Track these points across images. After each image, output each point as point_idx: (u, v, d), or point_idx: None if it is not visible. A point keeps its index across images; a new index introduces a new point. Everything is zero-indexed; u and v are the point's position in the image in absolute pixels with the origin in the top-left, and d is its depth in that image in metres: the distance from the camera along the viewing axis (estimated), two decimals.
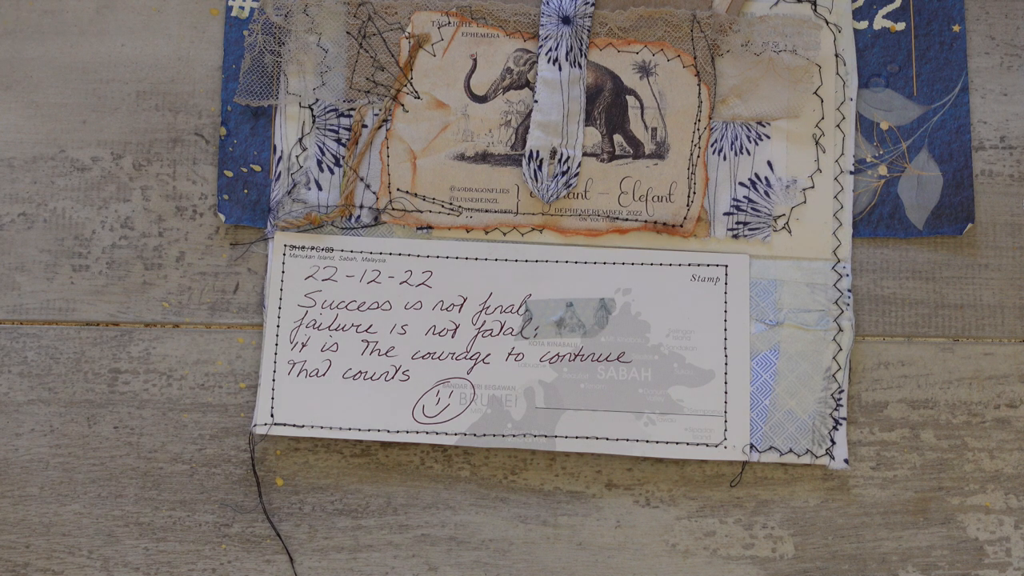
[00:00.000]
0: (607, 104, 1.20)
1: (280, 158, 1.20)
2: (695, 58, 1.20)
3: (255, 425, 1.17)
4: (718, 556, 1.19)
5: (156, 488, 1.19)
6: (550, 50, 1.19)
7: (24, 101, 1.23)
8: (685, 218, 1.19)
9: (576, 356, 1.18)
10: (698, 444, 1.17)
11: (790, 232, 1.20)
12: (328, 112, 1.20)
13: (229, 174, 1.21)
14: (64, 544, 1.19)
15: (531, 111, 1.19)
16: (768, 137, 1.20)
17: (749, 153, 1.20)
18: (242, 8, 1.23)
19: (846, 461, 1.17)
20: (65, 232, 1.22)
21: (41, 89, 1.23)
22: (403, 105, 1.20)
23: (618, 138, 1.19)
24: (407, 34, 1.21)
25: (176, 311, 1.21)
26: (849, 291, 1.19)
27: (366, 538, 1.19)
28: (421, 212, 1.20)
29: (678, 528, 1.19)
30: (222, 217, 1.21)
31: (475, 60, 1.21)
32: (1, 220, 1.22)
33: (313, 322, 1.19)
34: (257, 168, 1.21)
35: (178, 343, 1.21)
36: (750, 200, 1.20)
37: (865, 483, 1.19)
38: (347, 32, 1.21)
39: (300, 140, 1.20)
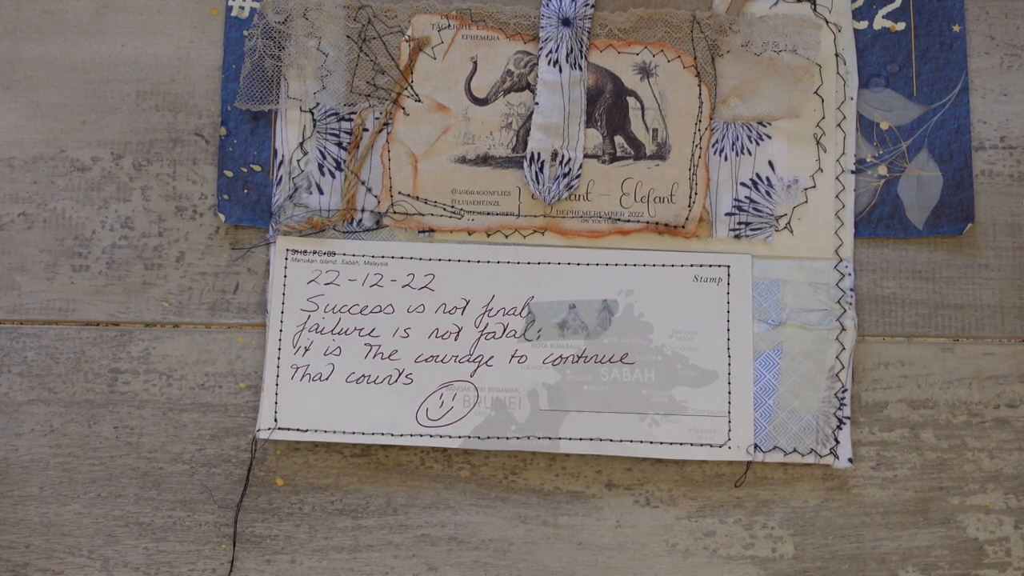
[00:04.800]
0: (608, 105, 1.20)
1: (281, 162, 1.20)
2: (695, 59, 1.20)
3: (259, 430, 1.17)
4: (718, 556, 1.19)
5: (156, 488, 1.19)
6: (550, 52, 1.19)
7: (24, 101, 1.23)
8: (687, 219, 1.19)
9: (579, 358, 1.18)
10: (702, 445, 1.17)
11: (792, 232, 1.20)
12: (329, 116, 1.20)
13: (229, 174, 1.21)
14: (64, 544, 1.19)
15: (532, 113, 1.19)
16: (769, 137, 1.20)
17: (750, 153, 1.20)
18: (242, 8, 1.23)
19: (850, 460, 1.17)
20: (65, 232, 1.21)
21: (41, 89, 1.23)
22: (404, 108, 1.20)
23: (619, 139, 1.19)
24: (407, 37, 1.21)
25: (176, 311, 1.21)
26: (852, 290, 1.19)
27: (366, 538, 1.19)
28: (423, 215, 1.19)
29: (678, 528, 1.19)
30: (222, 217, 1.21)
31: (475, 63, 1.20)
32: (1, 220, 1.22)
33: (316, 326, 1.19)
34: (257, 168, 1.21)
35: (178, 343, 1.21)
36: (752, 200, 1.20)
37: (865, 483, 1.19)
38: (347, 36, 1.21)
39: (301, 144, 1.20)
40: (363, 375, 1.18)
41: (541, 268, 1.19)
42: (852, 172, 1.21)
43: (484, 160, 1.20)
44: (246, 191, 1.21)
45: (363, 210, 1.20)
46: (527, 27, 1.20)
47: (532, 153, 1.19)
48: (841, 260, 1.20)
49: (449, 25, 1.21)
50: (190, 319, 1.21)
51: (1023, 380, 1.20)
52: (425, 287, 1.19)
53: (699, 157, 1.20)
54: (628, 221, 1.19)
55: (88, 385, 1.20)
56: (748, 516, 1.19)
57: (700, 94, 1.20)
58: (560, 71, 1.19)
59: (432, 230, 1.20)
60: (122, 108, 1.23)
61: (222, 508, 1.19)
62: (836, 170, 1.21)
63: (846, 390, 1.18)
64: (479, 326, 1.19)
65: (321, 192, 1.20)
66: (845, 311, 1.19)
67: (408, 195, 1.20)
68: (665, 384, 1.18)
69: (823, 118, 1.21)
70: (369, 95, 1.21)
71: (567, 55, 1.19)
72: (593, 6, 1.20)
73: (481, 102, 1.20)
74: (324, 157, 1.20)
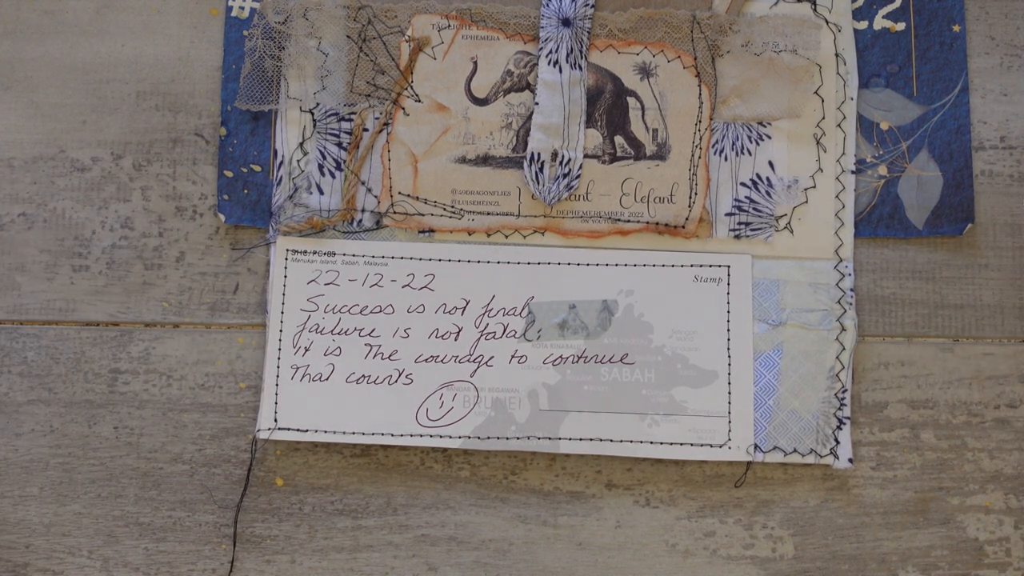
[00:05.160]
0: (608, 106, 1.20)
1: (281, 162, 1.20)
2: (695, 59, 1.20)
3: (258, 430, 1.17)
4: (718, 556, 1.19)
5: (156, 488, 1.19)
6: (550, 52, 1.19)
7: (24, 101, 1.23)
8: (687, 219, 1.19)
9: (579, 358, 1.18)
10: (702, 445, 1.17)
11: (792, 232, 1.20)
12: (329, 116, 1.20)
13: (229, 174, 1.21)
14: (64, 544, 1.19)
15: (532, 113, 1.19)
16: (769, 137, 1.20)
17: (750, 153, 1.20)
18: (242, 8, 1.23)
19: (850, 460, 1.17)
20: (65, 232, 1.21)
21: (41, 89, 1.23)
22: (404, 108, 1.20)
23: (619, 139, 1.19)
24: (407, 37, 1.21)
25: (176, 311, 1.21)
26: (852, 290, 1.19)
27: (366, 538, 1.19)
28: (423, 215, 1.19)
29: (678, 528, 1.19)
30: (222, 217, 1.21)
31: (475, 63, 1.20)
32: (1, 220, 1.22)
33: (316, 326, 1.19)
34: (257, 168, 1.21)
35: (178, 343, 1.21)
36: (752, 200, 1.20)
37: (865, 483, 1.19)
38: (347, 36, 1.21)
39: (301, 144, 1.20)
40: (363, 375, 1.18)
41: (541, 268, 1.19)
42: (852, 172, 1.21)
43: (484, 160, 1.20)
44: (246, 191, 1.21)
45: (363, 210, 1.20)
46: (527, 27, 1.20)
47: (532, 153, 1.19)
48: (841, 260, 1.20)
49: (449, 25, 1.21)
50: (190, 319, 1.21)
51: (1023, 380, 1.20)
52: (425, 287, 1.19)
53: (699, 157, 1.19)
54: (628, 221, 1.19)
55: (88, 385, 1.20)
56: (748, 516, 1.19)
57: (700, 94, 1.20)
58: (560, 71, 1.19)
59: (432, 230, 1.20)
60: (122, 108, 1.23)
61: (222, 508, 1.19)
62: (836, 170, 1.21)
63: (846, 390, 1.18)
64: (479, 326, 1.19)
65: (321, 192, 1.20)
66: (845, 311, 1.19)
67: (408, 195, 1.20)
68: (665, 384, 1.18)
69: (823, 118, 1.21)
70: (369, 95, 1.20)
71: (567, 55, 1.19)
72: (593, 6, 1.20)
73: (481, 102, 1.20)
74: (324, 157, 1.20)
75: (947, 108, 1.22)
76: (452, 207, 1.19)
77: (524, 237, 1.20)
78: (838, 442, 1.18)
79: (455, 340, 1.19)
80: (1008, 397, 1.20)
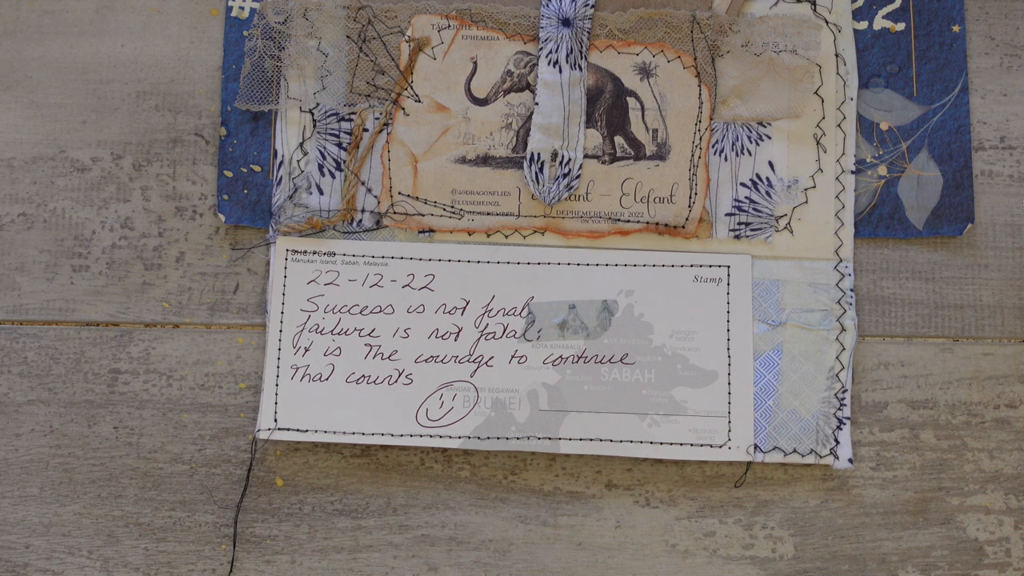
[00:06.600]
0: (608, 106, 1.20)
1: (281, 163, 1.20)
2: (695, 59, 1.20)
3: (258, 430, 1.17)
4: (718, 556, 1.19)
5: (156, 488, 1.19)
6: (550, 52, 1.19)
7: (24, 101, 1.23)
8: (687, 219, 1.19)
9: (579, 358, 1.18)
10: (702, 445, 1.17)
11: (792, 232, 1.20)
12: (329, 116, 1.20)
13: (229, 174, 1.21)
14: (64, 544, 1.19)
15: (532, 113, 1.19)
16: (769, 137, 1.20)
17: (750, 154, 1.20)
18: (242, 8, 1.23)
19: (850, 461, 1.17)
20: (65, 232, 1.21)
21: (41, 89, 1.23)
22: (404, 109, 1.20)
23: (619, 140, 1.19)
24: (407, 37, 1.21)
25: (176, 311, 1.21)
26: (851, 290, 1.19)
27: (366, 538, 1.19)
28: (423, 215, 1.19)
29: (678, 528, 1.19)
30: (222, 217, 1.21)
31: (475, 63, 1.20)
32: (1, 220, 1.21)
33: (316, 326, 1.19)
34: (257, 168, 1.21)
35: (178, 343, 1.21)
36: (752, 200, 1.20)
37: (865, 483, 1.19)
38: (347, 36, 1.21)
39: (301, 144, 1.20)
40: (363, 375, 1.18)
41: (541, 268, 1.19)
42: (852, 172, 1.21)
43: (484, 160, 1.20)
44: (246, 191, 1.21)
45: (363, 210, 1.20)
46: (527, 27, 1.20)
47: (532, 153, 1.18)
48: (841, 260, 1.20)
49: (449, 25, 1.21)
50: (190, 319, 1.21)
51: (1023, 380, 1.20)
52: (425, 287, 1.19)
53: (699, 157, 1.19)
54: (628, 221, 1.19)
55: (88, 385, 1.20)
56: (748, 516, 1.19)
57: (700, 94, 1.20)
58: (560, 71, 1.19)
59: (432, 230, 1.20)
60: (122, 108, 1.23)
61: (222, 508, 1.19)
62: (836, 170, 1.20)
63: (846, 390, 1.18)
64: (479, 326, 1.19)
65: (321, 192, 1.20)
66: (845, 311, 1.19)
67: (408, 195, 1.20)
68: (665, 384, 1.18)
69: (823, 118, 1.21)
70: (369, 95, 1.20)
71: (567, 55, 1.19)
72: (593, 6, 1.20)
73: (481, 102, 1.20)
74: (324, 157, 1.20)
75: (947, 108, 1.22)
76: (452, 207, 1.19)
77: (524, 237, 1.20)
78: (838, 442, 1.18)
79: (455, 340, 1.19)
80: (1008, 397, 1.20)
